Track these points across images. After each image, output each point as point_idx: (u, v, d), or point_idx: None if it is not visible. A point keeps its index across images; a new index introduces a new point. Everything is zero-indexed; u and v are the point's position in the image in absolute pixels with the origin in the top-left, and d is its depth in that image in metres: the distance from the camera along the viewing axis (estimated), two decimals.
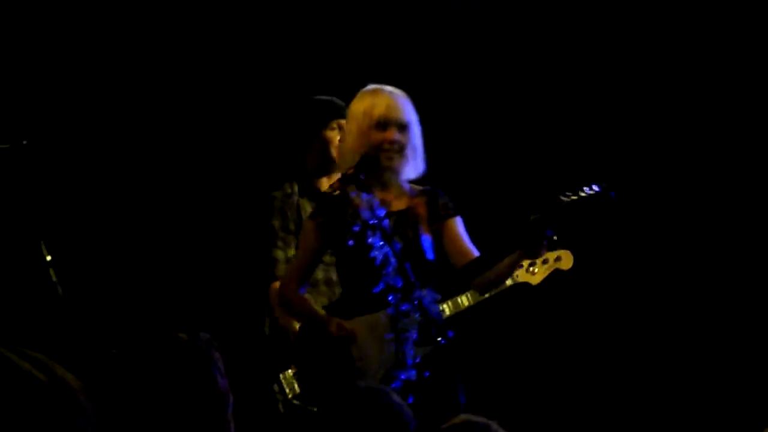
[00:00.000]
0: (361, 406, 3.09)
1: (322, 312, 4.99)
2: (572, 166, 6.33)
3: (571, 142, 6.62)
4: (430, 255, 4.88)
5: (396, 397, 3.14)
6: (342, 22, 6.72)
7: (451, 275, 4.88)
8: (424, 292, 4.68)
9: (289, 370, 5.34)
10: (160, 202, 6.57)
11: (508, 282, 5.30)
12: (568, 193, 4.68)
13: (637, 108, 6.65)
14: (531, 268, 5.34)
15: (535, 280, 5.32)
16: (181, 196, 6.61)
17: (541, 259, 5.29)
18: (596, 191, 4.67)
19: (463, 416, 3.11)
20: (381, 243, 4.77)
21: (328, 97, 5.68)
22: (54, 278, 4.94)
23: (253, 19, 6.69)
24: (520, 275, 5.34)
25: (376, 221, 4.74)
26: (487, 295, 5.21)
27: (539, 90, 6.66)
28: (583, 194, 4.66)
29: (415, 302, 4.66)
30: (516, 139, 6.61)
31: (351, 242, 4.82)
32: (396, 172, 4.87)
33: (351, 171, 4.83)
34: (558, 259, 5.34)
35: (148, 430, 3.07)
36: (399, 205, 4.90)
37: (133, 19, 6.55)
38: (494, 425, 3.06)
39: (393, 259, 4.72)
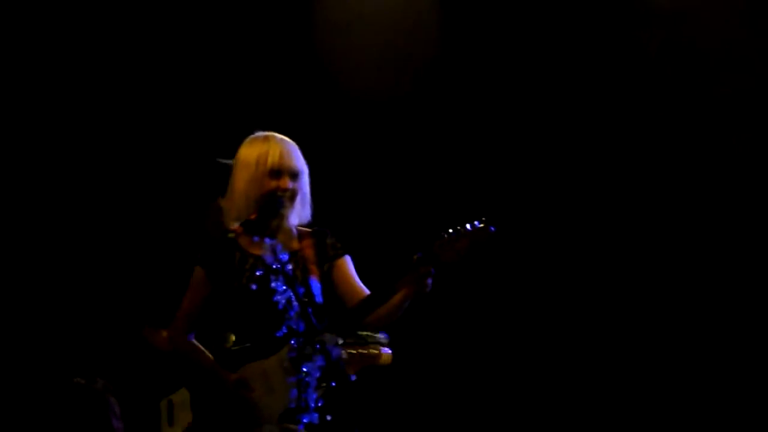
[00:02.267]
0: None
1: (211, 357, 5.05)
2: (463, 203, 6.47)
3: (459, 181, 6.77)
4: (318, 298, 4.99)
5: None
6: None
7: (343, 314, 4.96)
8: (327, 335, 4.80)
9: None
10: (48, 247, 6.62)
11: None
12: (450, 231, 4.81)
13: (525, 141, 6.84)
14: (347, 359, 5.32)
15: (348, 371, 5.26)
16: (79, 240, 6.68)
17: (358, 352, 5.35)
18: (476, 227, 4.79)
19: None
20: (284, 287, 4.90)
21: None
22: None
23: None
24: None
25: (279, 266, 4.88)
26: None
27: (424, 129, 6.80)
28: (462, 230, 4.78)
29: (317, 346, 4.77)
30: (406, 176, 6.75)
31: (254, 286, 4.94)
32: (286, 218, 5.01)
33: (254, 217, 4.94)
34: (372, 356, 5.37)
35: None
36: (288, 249, 5.01)
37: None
38: None
39: (295, 303, 4.84)
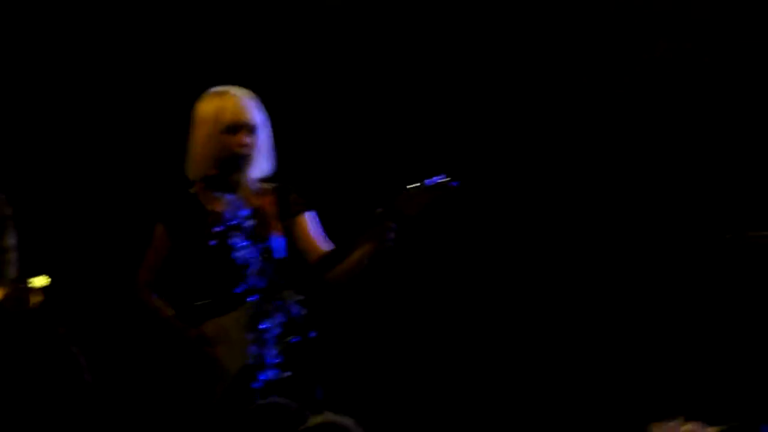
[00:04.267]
0: None
1: (173, 313, 5.05)
2: (424, 158, 6.43)
3: (421, 135, 6.73)
4: (281, 254, 4.98)
5: None
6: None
7: (304, 271, 4.97)
8: (287, 292, 4.80)
9: None
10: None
11: None
12: (411, 185, 4.81)
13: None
14: None
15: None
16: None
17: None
18: (438, 181, 4.79)
19: (323, 416, 3.21)
20: (244, 243, 4.90)
21: None
22: None
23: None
24: None
25: (238, 221, 4.86)
26: None
27: (390, 82, 6.74)
28: (424, 185, 4.78)
29: (278, 302, 4.79)
30: (367, 131, 6.71)
31: (213, 242, 4.92)
32: (246, 173, 4.98)
33: (214, 172, 4.92)
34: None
35: None
36: (249, 205, 4.98)
37: None
38: (353, 425, 3.18)
39: (256, 260, 4.85)
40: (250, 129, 4.97)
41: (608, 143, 6.70)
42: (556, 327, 6.65)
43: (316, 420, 3.18)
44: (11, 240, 5.26)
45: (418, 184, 4.81)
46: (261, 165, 5.03)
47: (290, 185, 5.12)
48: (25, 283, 4.89)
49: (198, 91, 5.14)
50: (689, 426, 3.07)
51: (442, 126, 6.67)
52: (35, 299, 4.86)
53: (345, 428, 3.15)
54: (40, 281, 4.89)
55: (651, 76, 6.67)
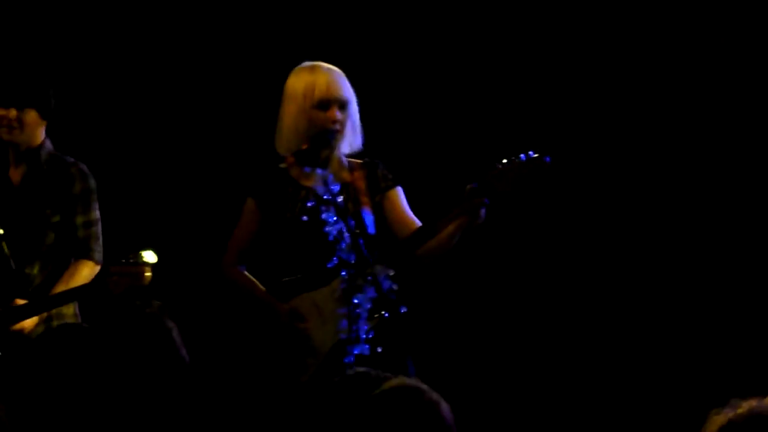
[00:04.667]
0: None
1: (263, 288, 5.04)
2: (515, 135, 6.40)
3: (513, 111, 6.70)
4: (371, 229, 4.97)
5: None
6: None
7: (394, 246, 4.94)
8: (378, 267, 4.77)
9: None
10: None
11: None
12: (503, 161, 4.80)
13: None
14: None
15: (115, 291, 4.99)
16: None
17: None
18: (531, 157, 4.79)
19: (396, 380, 3.18)
20: (335, 218, 4.90)
21: None
22: (6, 251, 5.07)
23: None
24: None
25: (330, 197, 4.85)
26: None
27: (481, 59, 6.71)
28: (517, 161, 4.78)
29: (369, 277, 4.77)
30: (457, 107, 6.68)
31: (305, 218, 4.92)
32: (337, 148, 4.97)
33: (305, 148, 4.91)
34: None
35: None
36: (339, 180, 4.98)
37: None
38: (427, 389, 3.15)
39: (347, 235, 4.83)
40: (341, 104, 4.96)
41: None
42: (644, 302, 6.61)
43: (390, 383, 3.13)
44: (95, 213, 5.29)
45: (511, 160, 4.79)
46: (351, 140, 5.03)
47: (378, 160, 5.11)
48: (137, 257, 4.90)
49: (288, 66, 5.14)
50: (747, 403, 3.00)
51: (536, 102, 6.63)
52: (147, 274, 4.89)
53: (419, 391, 3.10)
54: (151, 257, 4.89)
55: None
